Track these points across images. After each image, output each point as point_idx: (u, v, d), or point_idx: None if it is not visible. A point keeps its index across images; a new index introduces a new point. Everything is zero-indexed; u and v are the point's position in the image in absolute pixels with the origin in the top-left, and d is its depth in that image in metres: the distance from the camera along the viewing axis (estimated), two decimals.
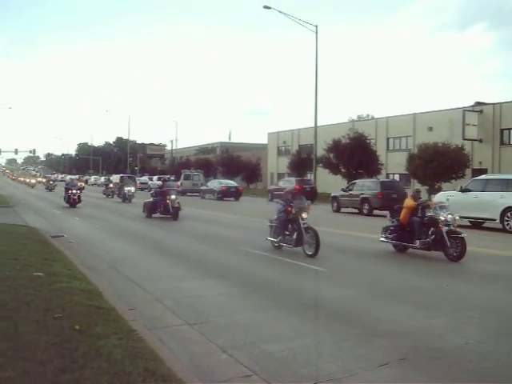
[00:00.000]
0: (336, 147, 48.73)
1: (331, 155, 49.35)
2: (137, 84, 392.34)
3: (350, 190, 33.19)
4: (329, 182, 50.64)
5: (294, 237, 13.54)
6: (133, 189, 40.53)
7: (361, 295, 9.24)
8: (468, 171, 41.21)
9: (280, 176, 73.95)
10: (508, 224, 20.84)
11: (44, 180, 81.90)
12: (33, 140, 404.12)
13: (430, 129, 52.40)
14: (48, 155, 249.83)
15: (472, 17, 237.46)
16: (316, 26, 46.74)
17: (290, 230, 13.88)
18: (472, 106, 51.02)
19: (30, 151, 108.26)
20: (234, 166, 71.53)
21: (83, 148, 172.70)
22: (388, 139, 60.22)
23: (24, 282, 8.22)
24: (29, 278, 8.58)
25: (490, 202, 21.44)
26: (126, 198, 38.99)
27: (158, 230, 20.48)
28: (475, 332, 7.01)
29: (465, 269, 12.22)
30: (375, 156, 48.56)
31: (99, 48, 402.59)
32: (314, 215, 14.80)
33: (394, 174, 56.45)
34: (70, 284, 8.35)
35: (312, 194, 43.98)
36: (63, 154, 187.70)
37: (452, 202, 22.56)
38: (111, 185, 48.34)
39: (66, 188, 33.13)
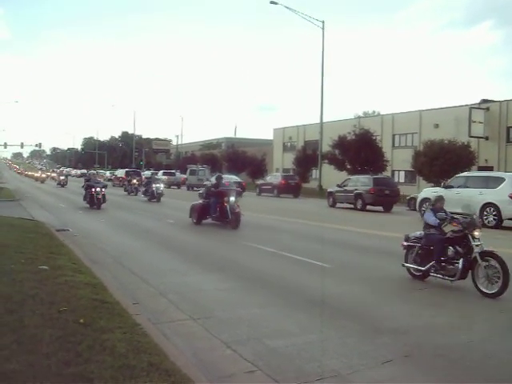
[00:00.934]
0: (341, 143, 48.58)
1: (337, 151, 49.22)
2: (143, 79, 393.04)
3: (345, 186, 33.80)
4: (334, 178, 50.56)
5: (459, 265, 9.41)
6: (162, 186, 35.05)
7: (366, 292, 9.23)
8: (474, 169, 41.05)
9: (285, 172, 73.98)
10: (487, 219, 21.57)
11: (54, 174, 77.59)
12: (39, 134, 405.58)
13: (436, 126, 52.20)
14: (54, 149, 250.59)
15: (479, 15, 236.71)
16: (323, 22, 46.67)
17: (450, 254, 9.76)
18: (478, 104, 50.77)
19: (36, 145, 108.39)
20: (240, 162, 71.31)
21: (89, 142, 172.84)
22: (394, 136, 60.03)
23: (29, 275, 8.25)
24: (34, 271, 8.61)
25: (471, 198, 21.81)
26: (154, 197, 33.66)
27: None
28: (479, 330, 7.01)
29: None
30: (381, 153, 48.38)
31: (105, 43, 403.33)
32: (310, 210, 14.81)
33: (399, 170, 56.36)
34: (74, 278, 8.38)
35: (296, 189, 46.38)
36: (69, 148, 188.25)
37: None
38: (135, 180, 43.12)
39: (87, 185, 26.90)
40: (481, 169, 41.52)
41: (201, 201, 20.39)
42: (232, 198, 18.73)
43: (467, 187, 23.20)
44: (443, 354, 5.95)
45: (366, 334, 6.70)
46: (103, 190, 26.41)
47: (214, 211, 19.30)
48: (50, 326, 5.69)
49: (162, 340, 5.84)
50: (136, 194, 40.52)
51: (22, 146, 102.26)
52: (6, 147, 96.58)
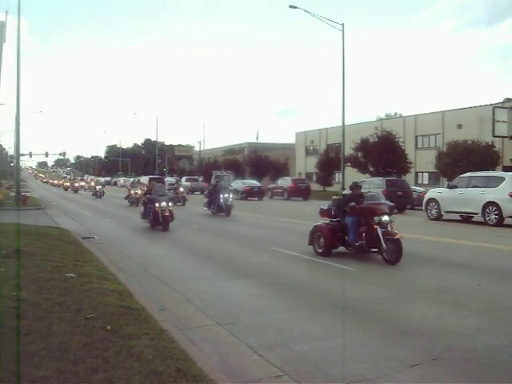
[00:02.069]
0: (364, 146, 48.52)
1: (359, 154, 49.14)
2: (164, 85, 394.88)
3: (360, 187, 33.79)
4: None
5: None
6: (231, 196, 28.15)
7: (390, 295, 9.17)
8: (499, 169, 40.60)
9: (308, 175, 73.82)
10: (489, 217, 22.68)
11: (83, 183, 70.92)
12: (63, 143, 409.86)
13: (460, 126, 51.73)
14: (78, 158, 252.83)
15: (501, 13, 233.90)
16: (342, 25, 46.47)
17: None
18: (502, 103, 50.21)
19: (60, 154, 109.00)
20: (262, 166, 71.51)
21: (112, 150, 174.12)
22: (416, 137, 59.63)
23: (56, 282, 8.34)
24: (61, 279, 8.70)
25: (473, 198, 23.55)
26: (222, 210, 27.02)
27: None
28: (509, 332, 6.91)
29: (497, 267, 12.04)
30: (404, 154, 48.19)
31: (127, 50, 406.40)
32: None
33: (423, 172, 55.96)
34: (101, 285, 8.44)
35: (305, 192, 48.42)
36: (92, 157, 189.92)
37: (440, 197, 25.48)
38: (181, 189, 37.47)
39: (148, 199, 20.70)
40: (506, 169, 41.00)
41: (327, 220, 13.88)
42: (385, 218, 12.58)
43: (470, 187, 23.99)
44: (472, 357, 5.88)
45: (392, 337, 6.65)
46: (170, 204, 20.27)
47: (354, 237, 12.82)
48: (77, 333, 5.74)
49: (188, 346, 5.86)
50: (184, 204, 35.25)
51: (46, 155, 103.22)
52: (31, 156, 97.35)
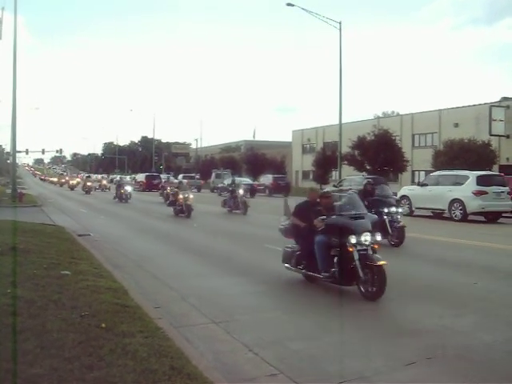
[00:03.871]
0: (361, 144, 48.50)
1: (356, 152, 49.13)
2: (161, 82, 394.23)
3: (341, 186, 35.21)
4: None
5: None
6: (400, 211, 16.36)
7: (387, 293, 9.14)
8: (495, 167, 40.67)
9: (305, 174, 73.88)
10: (454, 214, 24.02)
11: (98, 182, 57.92)
12: (59, 140, 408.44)
13: (456, 125, 51.82)
14: (74, 155, 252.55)
15: (500, 11, 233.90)
16: (340, 23, 46.41)
17: None
18: (499, 102, 50.28)
19: (57, 151, 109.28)
20: (259, 164, 71.47)
21: (109, 147, 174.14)
22: (413, 136, 59.73)
23: (52, 280, 8.31)
24: (56, 276, 8.67)
25: (441, 195, 24.83)
26: (388, 234, 14.78)
27: None
28: (504, 330, 6.92)
29: (492, 266, 12.05)
30: (400, 153, 48.21)
31: (123, 47, 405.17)
32: None
33: (419, 170, 55.97)
34: (96, 282, 8.42)
35: (286, 189, 50.44)
36: (89, 154, 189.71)
37: (412, 194, 26.90)
38: (241, 191, 28.19)
39: (329, 225, 9.08)
40: (502, 167, 41.08)
41: None
42: None
43: (439, 185, 25.35)
44: (467, 355, 5.88)
45: (388, 335, 6.64)
46: (378, 238, 9.11)
47: None
48: (72, 331, 5.72)
49: (183, 344, 5.84)
50: (245, 213, 26.84)
51: (43, 152, 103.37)
52: (27, 153, 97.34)
